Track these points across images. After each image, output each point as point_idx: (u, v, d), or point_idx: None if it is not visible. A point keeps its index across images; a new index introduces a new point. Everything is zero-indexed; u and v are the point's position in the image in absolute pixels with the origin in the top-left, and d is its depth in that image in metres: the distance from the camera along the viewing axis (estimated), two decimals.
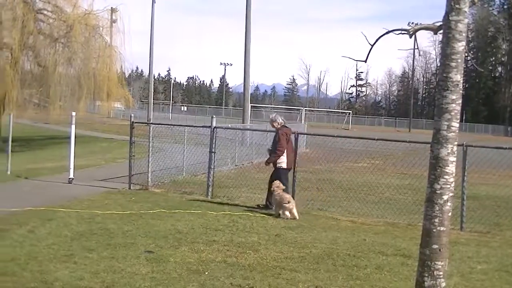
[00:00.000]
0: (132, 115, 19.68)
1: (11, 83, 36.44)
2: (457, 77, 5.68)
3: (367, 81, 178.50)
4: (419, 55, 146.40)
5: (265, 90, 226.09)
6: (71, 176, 19.55)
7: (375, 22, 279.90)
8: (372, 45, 6.70)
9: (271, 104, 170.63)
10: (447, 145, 5.72)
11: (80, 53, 40.55)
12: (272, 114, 18.22)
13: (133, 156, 19.09)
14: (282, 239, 12.26)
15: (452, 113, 5.71)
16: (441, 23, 5.95)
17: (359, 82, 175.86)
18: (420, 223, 6.48)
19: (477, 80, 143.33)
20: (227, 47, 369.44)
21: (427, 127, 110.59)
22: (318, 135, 22.50)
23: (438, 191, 5.74)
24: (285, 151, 16.35)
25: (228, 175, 22.67)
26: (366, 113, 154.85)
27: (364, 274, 9.74)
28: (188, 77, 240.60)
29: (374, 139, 17.88)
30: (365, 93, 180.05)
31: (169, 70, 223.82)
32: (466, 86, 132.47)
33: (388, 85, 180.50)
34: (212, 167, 18.17)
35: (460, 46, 5.71)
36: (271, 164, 16.67)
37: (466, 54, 5.87)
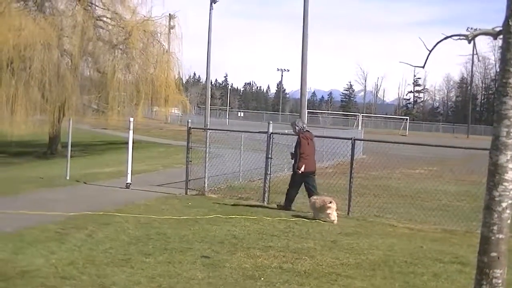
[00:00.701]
0: (189, 120, 19.83)
1: (71, 89, 37.04)
2: None
3: (425, 87, 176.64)
4: (478, 60, 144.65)
5: (322, 96, 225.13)
6: (129, 181, 19.76)
7: (434, 27, 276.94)
8: (430, 51, 6.63)
9: (328, 110, 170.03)
10: (506, 152, 5.64)
11: (138, 59, 41.05)
12: (296, 120, 18.61)
13: (190, 161, 19.22)
14: (338, 245, 12.21)
15: None
16: (501, 28, 5.88)
17: (417, 88, 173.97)
18: (478, 230, 6.40)
19: None
20: (284, 53, 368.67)
21: (485, 133, 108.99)
22: (374, 141, 22.41)
23: (496, 198, 5.67)
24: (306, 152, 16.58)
25: (285, 180, 22.59)
26: (424, 119, 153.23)
27: (421, 282, 9.65)
28: (245, 83, 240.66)
29: (431, 145, 17.71)
30: (422, 99, 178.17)
31: (226, 76, 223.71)
32: None
33: (446, 91, 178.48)
34: (269, 172, 18.21)
35: None
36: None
37: None
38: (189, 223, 13.84)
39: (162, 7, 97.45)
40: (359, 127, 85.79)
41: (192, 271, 9.64)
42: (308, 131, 17.39)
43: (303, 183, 16.99)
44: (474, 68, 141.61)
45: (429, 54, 6.70)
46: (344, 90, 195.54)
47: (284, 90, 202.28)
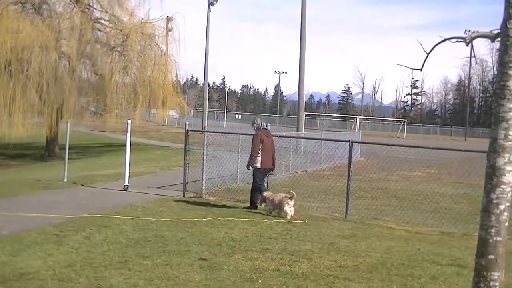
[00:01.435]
0: (187, 123, 19.85)
1: (69, 91, 37.03)
2: None
3: (423, 90, 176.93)
4: (476, 63, 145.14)
5: (320, 99, 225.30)
6: (126, 183, 19.76)
7: (432, 29, 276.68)
8: (428, 53, 6.64)
9: (326, 113, 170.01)
10: (504, 154, 5.64)
11: (136, 62, 41.08)
12: (255, 118, 19.08)
13: (188, 164, 19.23)
14: (336, 248, 12.22)
15: (510, 122, 5.63)
16: (499, 30, 5.88)
17: (414, 91, 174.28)
18: (476, 233, 6.40)
19: None
20: (282, 55, 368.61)
21: (483, 136, 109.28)
22: (372, 143, 22.40)
23: (494, 201, 5.67)
24: (260, 152, 16.92)
25: (282, 183, 22.64)
26: (421, 122, 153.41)
27: (418, 284, 9.65)
28: (242, 85, 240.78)
29: (429, 148, 17.72)
30: (420, 102, 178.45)
31: (224, 78, 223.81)
32: None
33: (443, 93, 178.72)
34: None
35: None
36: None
37: None
38: (186, 226, 13.84)
39: (160, 9, 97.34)
40: (357, 130, 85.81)
41: (190, 273, 9.63)
42: (266, 129, 17.67)
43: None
44: (471, 71, 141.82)
45: (427, 56, 6.71)
46: (342, 92, 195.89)
47: (282, 92, 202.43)
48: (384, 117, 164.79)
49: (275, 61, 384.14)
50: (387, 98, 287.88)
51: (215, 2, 57.93)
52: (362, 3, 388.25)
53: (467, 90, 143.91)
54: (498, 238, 5.70)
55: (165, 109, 46.44)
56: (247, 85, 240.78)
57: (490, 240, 5.70)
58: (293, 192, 16.11)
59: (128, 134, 20.19)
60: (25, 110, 35.43)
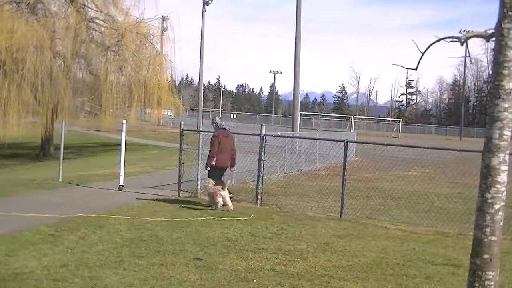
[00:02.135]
0: (182, 122, 19.84)
1: (64, 91, 37.00)
2: (510, 85, 5.61)
3: (418, 89, 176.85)
4: (471, 63, 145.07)
5: (315, 98, 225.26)
6: (121, 183, 19.73)
7: (427, 29, 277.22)
8: (423, 53, 6.65)
9: (321, 112, 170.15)
10: (499, 154, 5.65)
11: (131, 61, 41.03)
12: (215, 117, 20.20)
13: (183, 163, 19.21)
14: (331, 248, 12.23)
15: (504, 122, 5.63)
16: (493, 30, 5.89)
17: (409, 90, 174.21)
18: (471, 233, 6.41)
19: None
20: (277, 55, 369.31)
21: (478, 136, 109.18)
22: (367, 143, 22.35)
23: (489, 200, 5.68)
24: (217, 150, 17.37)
25: (277, 183, 22.64)
26: (416, 122, 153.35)
27: (413, 284, 9.67)
28: (237, 85, 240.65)
29: (424, 148, 17.72)
30: (415, 101, 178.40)
31: (219, 78, 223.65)
32: None
33: (438, 93, 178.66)
34: (261, 175, 18.20)
35: None
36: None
37: None
38: (182, 225, 13.83)
39: (155, 9, 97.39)
40: (352, 129, 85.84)
41: (185, 273, 9.64)
42: (225, 128, 18.08)
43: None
44: (466, 71, 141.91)
45: (421, 56, 6.72)
46: (337, 92, 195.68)
47: (277, 92, 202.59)
48: (379, 116, 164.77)
49: (270, 61, 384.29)
50: (382, 97, 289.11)
51: (210, 1, 57.69)
52: (357, 3, 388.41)
53: (462, 90, 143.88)
54: (493, 238, 5.71)
55: (160, 108, 46.46)
56: (242, 85, 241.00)
57: (485, 240, 5.70)
58: (224, 182, 16.88)
59: (123, 134, 20.15)
60: (20, 109, 35.34)
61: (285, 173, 27.07)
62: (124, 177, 19.98)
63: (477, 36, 6.35)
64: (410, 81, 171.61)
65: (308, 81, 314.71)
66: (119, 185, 19.64)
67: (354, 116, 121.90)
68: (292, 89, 46.28)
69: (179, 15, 77.23)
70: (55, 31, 38.84)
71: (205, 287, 8.97)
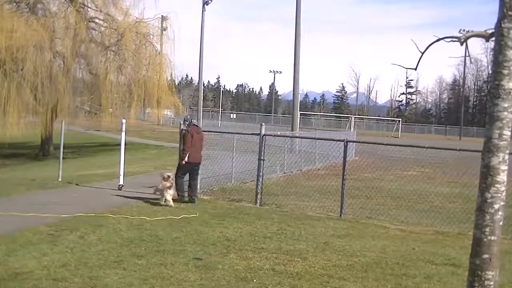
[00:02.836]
0: (182, 122, 19.79)
1: (63, 91, 37.04)
2: (510, 84, 5.60)
3: (417, 89, 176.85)
4: (470, 62, 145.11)
5: (315, 98, 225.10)
6: (121, 183, 19.72)
7: (427, 29, 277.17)
8: (423, 53, 6.64)
9: (320, 112, 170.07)
10: (499, 154, 5.64)
11: (130, 61, 41.07)
12: (186, 114, 21.16)
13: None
14: (331, 247, 12.23)
15: (504, 121, 5.63)
16: (493, 30, 5.88)
17: (409, 90, 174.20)
18: (471, 232, 6.41)
19: None
20: (277, 55, 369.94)
21: (478, 135, 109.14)
22: (366, 142, 22.33)
23: (489, 200, 5.67)
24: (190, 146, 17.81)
25: (277, 182, 22.65)
26: (416, 121, 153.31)
27: (413, 284, 9.67)
28: (237, 85, 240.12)
29: (424, 147, 17.72)
30: (415, 101, 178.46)
31: (219, 77, 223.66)
32: None
33: (438, 92, 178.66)
34: (261, 174, 18.20)
35: None
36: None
37: None
38: (181, 225, 13.84)
39: (155, 9, 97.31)
40: (352, 129, 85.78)
41: (185, 273, 9.64)
42: (196, 125, 18.70)
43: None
44: (466, 70, 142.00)
45: (421, 56, 6.71)
46: (337, 91, 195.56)
47: (277, 91, 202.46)
48: (379, 116, 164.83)
49: (270, 61, 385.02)
50: (382, 97, 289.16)
51: (210, 1, 57.74)
52: (358, 2, 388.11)
53: (461, 90, 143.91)
54: (493, 238, 5.70)
55: (160, 108, 46.50)
56: (242, 85, 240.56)
57: (485, 240, 5.70)
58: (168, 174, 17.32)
59: (123, 133, 20.15)
60: (19, 109, 35.38)
61: (284, 173, 27.08)
62: (123, 176, 19.98)
63: (477, 36, 6.34)
64: (410, 81, 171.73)
65: (308, 80, 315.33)
66: (119, 185, 19.64)
67: (354, 116, 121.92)
68: (292, 88, 46.28)
69: (179, 15, 76.99)
70: (55, 30, 38.87)
71: (204, 286, 8.96)
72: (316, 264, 10.69)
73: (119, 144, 20.45)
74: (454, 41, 6.47)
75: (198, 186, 19.14)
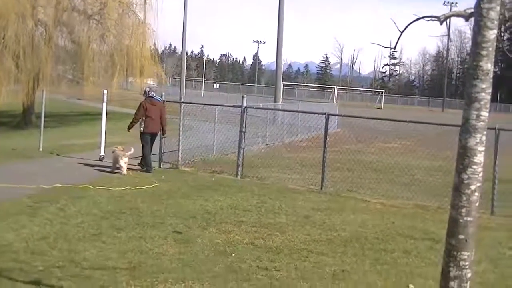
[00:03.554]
0: (163, 93, 19.72)
1: (45, 60, 36.74)
2: (488, 65, 5.59)
3: (401, 60, 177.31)
4: (450, 41, 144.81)
5: (298, 68, 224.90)
6: (102, 153, 19.67)
7: (414, 2, 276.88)
8: (402, 32, 6.62)
9: (304, 83, 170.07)
10: (476, 135, 5.64)
11: (113, 30, 40.73)
12: (147, 86, 21.83)
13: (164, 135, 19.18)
14: (311, 221, 12.27)
15: (482, 102, 5.62)
16: (473, 10, 5.87)
17: (393, 61, 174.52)
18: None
19: None
20: (261, 24, 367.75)
21: (461, 107, 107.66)
22: (348, 116, 22.40)
23: (465, 181, 5.67)
24: (145, 118, 18.38)
25: (259, 154, 22.66)
26: (399, 93, 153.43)
27: (391, 259, 9.74)
28: (221, 54, 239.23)
29: (406, 121, 17.75)
30: (398, 72, 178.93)
31: (202, 47, 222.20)
32: (502, 66, 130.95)
33: (422, 64, 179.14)
34: (243, 146, 18.22)
35: (492, 34, 5.61)
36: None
37: (499, 45, 5.78)
38: (162, 197, 13.86)
39: None
40: (335, 100, 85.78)
41: (164, 246, 9.66)
42: (152, 97, 18.76)
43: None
44: (450, 42, 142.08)
45: (400, 35, 6.69)
46: (320, 62, 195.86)
47: (260, 62, 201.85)
48: (362, 87, 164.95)
49: (254, 30, 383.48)
50: (366, 68, 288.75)
51: None
52: None
53: (445, 62, 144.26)
54: (469, 219, 5.72)
55: (143, 77, 46.17)
56: (226, 54, 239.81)
57: (461, 220, 5.71)
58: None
59: (104, 104, 20.07)
60: (1, 78, 35.10)
61: (266, 144, 27.11)
62: (105, 147, 19.91)
63: (456, 15, 6.30)
64: (394, 52, 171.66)
65: (292, 51, 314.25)
66: (100, 156, 19.60)
67: (337, 87, 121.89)
68: (275, 59, 46.16)
69: None
70: None
71: (183, 260, 8.96)
72: (295, 238, 10.73)
73: (101, 114, 20.37)
74: (433, 20, 6.46)
75: (180, 158, 19.14)
